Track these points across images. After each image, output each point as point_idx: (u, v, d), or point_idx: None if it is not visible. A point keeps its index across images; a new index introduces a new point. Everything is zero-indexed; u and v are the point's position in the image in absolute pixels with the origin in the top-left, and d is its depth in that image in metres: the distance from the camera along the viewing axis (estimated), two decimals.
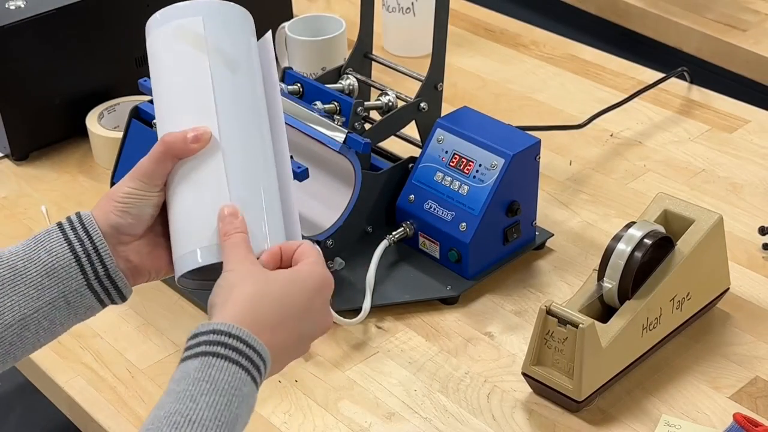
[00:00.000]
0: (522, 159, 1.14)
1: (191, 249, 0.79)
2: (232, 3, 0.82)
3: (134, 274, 0.83)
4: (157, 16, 0.81)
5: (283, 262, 0.79)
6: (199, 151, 0.79)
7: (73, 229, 0.80)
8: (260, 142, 0.81)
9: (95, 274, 0.80)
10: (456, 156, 1.15)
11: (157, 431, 0.68)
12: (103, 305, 0.82)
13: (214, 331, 0.72)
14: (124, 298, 0.82)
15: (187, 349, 0.73)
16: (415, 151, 1.22)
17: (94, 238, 0.80)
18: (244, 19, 0.82)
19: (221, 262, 0.78)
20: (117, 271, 0.81)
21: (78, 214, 0.81)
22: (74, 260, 0.79)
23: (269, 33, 0.85)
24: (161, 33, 0.80)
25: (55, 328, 0.80)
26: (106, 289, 0.81)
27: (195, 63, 0.79)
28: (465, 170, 1.14)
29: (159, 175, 0.80)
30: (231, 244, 0.77)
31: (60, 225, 0.81)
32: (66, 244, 0.79)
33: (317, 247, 0.80)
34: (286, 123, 1.15)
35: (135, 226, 0.81)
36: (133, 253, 0.83)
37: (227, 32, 0.79)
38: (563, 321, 0.98)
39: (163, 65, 0.81)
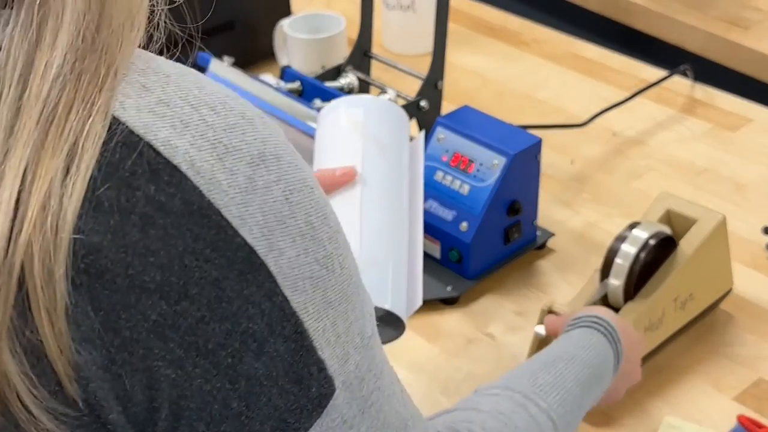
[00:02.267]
0: (523, 158, 1.13)
1: None
2: (392, 103, 0.98)
3: None
4: (331, 103, 0.95)
5: None
6: (344, 185, 0.90)
7: None
8: (395, 213, 0.91)
9: None
10: (457, 155, 1.15)
11: (577, 376, 0.83)
12: None
13: (607, 323, 0.90)
14: None
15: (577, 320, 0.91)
16: None
17: None
18: (399, 117, 0.96)
19: None
20: None
21: None
22: None
23: (422, 135, 0.99)
24: (330, 116, 0.94)
25: None
26: None
27: (350, 141, 0.92)
28: (466, 169, 1.14)
29: None
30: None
31: None
32: None
33: None
34: (285, 123, 1.15)
35: None
36: None
37: (381, 123, 0.93)
38: None
39: (326, 140, 0.95)
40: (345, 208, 0.88)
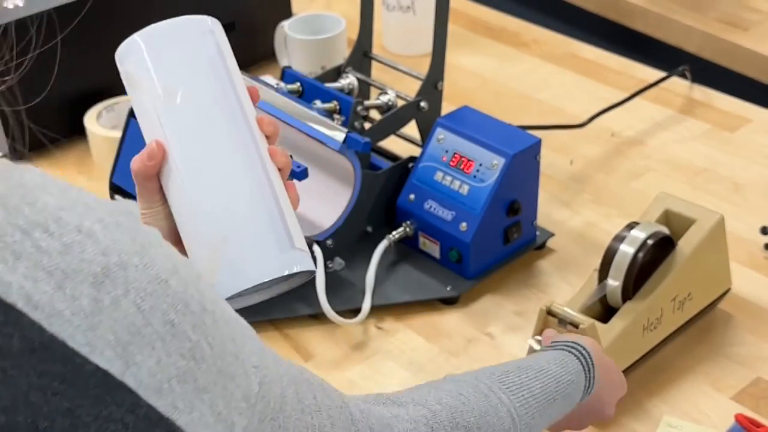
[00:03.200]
0: (522, 158, 1.14)
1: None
2: (167, 23, 0.78)
3: None
4: (117, 56, 0.78)
5: None
6: (159, 166, 0.77)
7: None
8: (232, 161, 0.76)
9: None
10: (456, 155, 1.15)
11: (546, 391, 0.82)
12: None
13: (583, 349, 0.88)
14: None
15: (555, 344, 0.89)
16: (415, 151, 1.22)
17: None
18: (182, 37, 0.77)
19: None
20: None
21: None
22: None
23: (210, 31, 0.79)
24: (121, 74, 0.79)
25: None
26: None
27: (141, 105, 0.77)
28: (465, 170, 1.14)
29: (149, 194, 0.79)
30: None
31: None
32: None
33: None
34: (286, 123, 1.16)
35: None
36: None
37: (162, 62, 0.76)
38: (564, 321, 0.97)
39: (135, 110, 0.80)
40: (176, 197, 0.77)
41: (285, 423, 0.58)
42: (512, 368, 0.82)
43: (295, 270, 0.74)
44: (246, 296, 0.78)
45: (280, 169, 0.79)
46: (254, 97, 0.78)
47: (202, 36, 0.76)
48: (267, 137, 0.77)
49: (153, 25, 0.78)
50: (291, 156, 1.08)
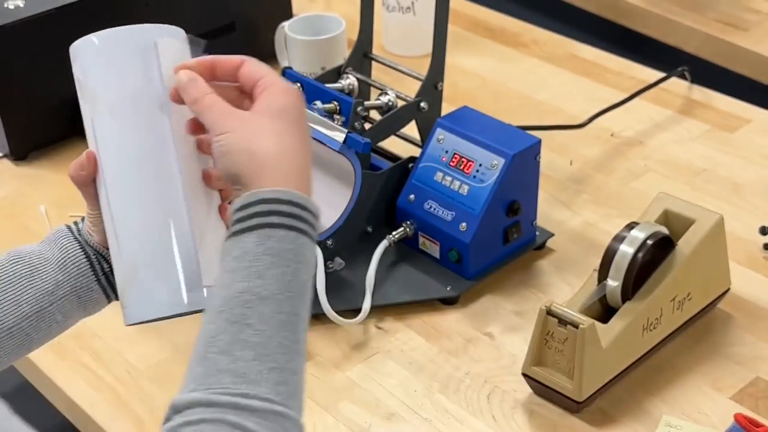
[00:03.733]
0: (522, 159, 1.14)
1: (125, 305, 0.78)
2: (116, 30, 0.75)
3: None
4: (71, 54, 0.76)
5: (248, 90, 0.77)
6: (92, 175, 0.78)
7: (79, 231, 0.84)
8: (155, 183, 0.75)
9: (102, 270, 0.83)
10: (456, 156, 1.15)
11: (230, 312, 0.67)
12: (109, 300, 0.85)
13: (263, 201, 0.70)
14: None
15: (238, 221, 0.70)
16: (415, 151, 1.22)
17: (90, 242, 0.84)
18: (129, 47, 0.74)
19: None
20: None
21: (83, 219, 0.85)
22: (85, 258, 0.83)
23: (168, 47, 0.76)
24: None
25: (66, 321, 0.84)
26: (111, 284, 0.84)
27: (84, 114, 0.76)
28: (465, 170, 1.14)
29: (90, 198, 0.82)
30: (208, 106, 0.74)
31: (68, 227, 0.85)
32: (77, 244, 0.83)
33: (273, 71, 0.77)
34: None
35: (105, 241, 0.82)
36: None
37: (106, 73, 0.73)
38: (563, 321, 0.98)
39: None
40: (102, 206, 0.77)
41: None
42: (232, 304, 0.68)
43: (196, 308, 0.74)
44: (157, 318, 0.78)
45: (221, 190, 0.79)
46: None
47: (141, 51, 0.73)
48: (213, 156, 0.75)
49: (105, 31, 0.76)
50: None
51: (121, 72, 0.73)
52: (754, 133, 1.41)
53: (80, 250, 0.83)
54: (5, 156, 1.43)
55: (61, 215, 1.30)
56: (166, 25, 0.75)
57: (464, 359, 1.08)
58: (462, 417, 1.01)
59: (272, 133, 0.73)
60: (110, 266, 0.82)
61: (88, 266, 0.83)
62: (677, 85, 1.51)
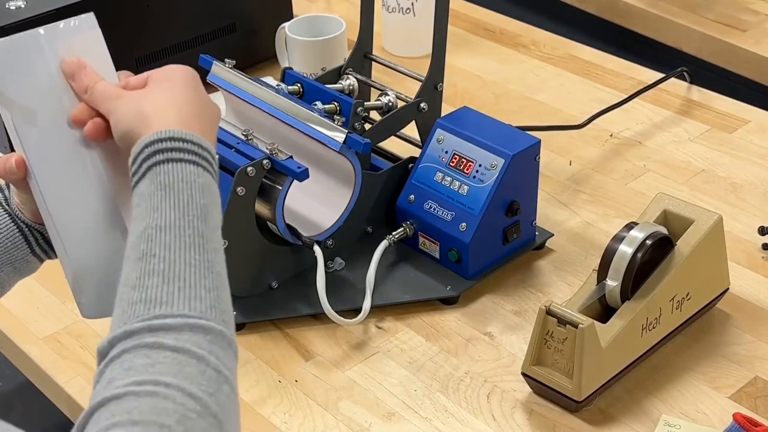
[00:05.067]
0: (522, 159, 1.14)
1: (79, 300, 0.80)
2: (21, 35, 0.74)
3: None
4: None
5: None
6: (23, 178, 0.79)
7: (8, 202, 0.86)
8: (87, 180, 0.76)
9: (36, 241, 0.86)
10: (456, 156, 1.16)
11: (136, 251, 0.68)
12: (43, 262, 0.88)
13: (146, 145, 0.71)
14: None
15: (133, 175, 0.72)
16: (415, 152, 1.23)
17: (20, 217, 0.85)
18: (29, 51, 0.73)
19: None
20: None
21: (8, 186, 0.85)
22: (18, 231, 0.85)
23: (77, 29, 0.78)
24: None
25: (2, 290, 0.87)
26: (45, 251, 0.86)
27: (5, 118, 0.76)
28: (465, 170, 1.15)
29: (19, 187, 0.82)
30: (100, 92, 0.76)
31: None
32: (8, 217, 0.85)
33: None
34: (286, 123, 1.16)
35: (37, 217, 0.84)
36: None
37: (18, 80, 0.73)
38: (563, 321, 0.98)
39: None
40: (40, 207, 0.77)
41: None
42: (135, 245, 0.69)
43: None
44: None
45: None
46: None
47: (36, 53, 0.73)
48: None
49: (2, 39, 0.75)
50: (291, 156, 1.09)
51: (24, 76, 0.73)
52: (753, 134, 1.41)
53: (12, 223, 0.84)
54: None
55: None
56: (57, 22, 0.75)
57: (464, 359, 1.08)
58: (462, 416, 1.02)
59: (161, 91, 0.75)
60: (44, 237, 0.84)
61: (22, 239, 0.85)
62: (676, 85, 1.51)
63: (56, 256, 0.84)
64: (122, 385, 0.61)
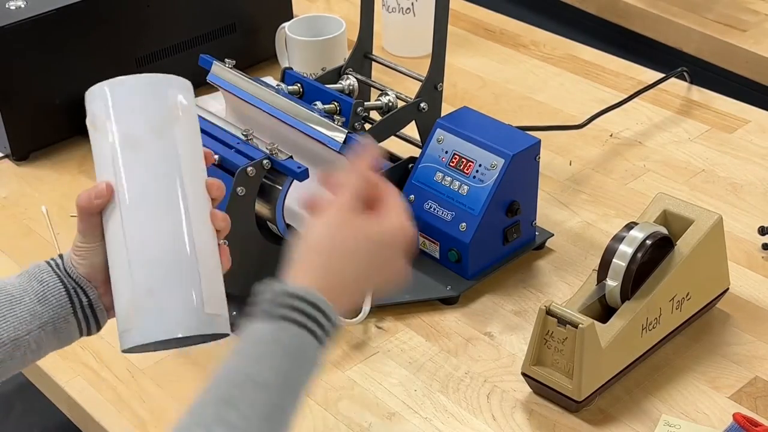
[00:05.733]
0: (522, 159, 1.14)
1: (123, 329, 0.81)
2: (143, 77, 0.81)
3: (108, 309, 0.87)
4: (86, 98, 0.82)
5: (368, 196, 0.79)
6: (104, 205, 0.81)
7: (58, 266, 0.86)
8: (169, 214, 0.80)
9: (80, 303, 0.85)
10: (456, 156, 1.16)
11: (222, 387, 0.69)
12: (81, 335, 0.88)
13: (296, 296, 0.73)
14: (99, 328, 0.88)
15: (260, 303, 0.74)
16: (415, 151, 1.23)
17: (72, 275, 0.86)
18: (155, 92, 0.81)
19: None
20: (98, 302, 0.86)
21: (60, 256, 0.87)
22: (64, 290, 0.85)
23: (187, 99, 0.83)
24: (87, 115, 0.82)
25: (40, 351, 0.86)
26: (87, 318, 0.86)
27: (100, 146, 0.82)
28: (465, 170, 1.15)
29: (91, 229, 0.83)
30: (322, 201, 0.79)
31: (47, 262, 0.87)
32: (56, 277, 0.85)
33: (403, 199, 0.80)
34: (286, 123, 1.16)
35: (93, 274, 0.85)
36: (104, 294, 0.86)
37: (131, 111, 0.80)
38: (563, 321, 0.98)
39: (93, 148, 0.84)
40: (111, 234, 0.80)
41: None
42: (218, 382, 0.71)
43: (193, 333, 0.78)
44: (156, 344, 0.80)
45: (218, 231, 0.82)
46: (208, 159, 0.83)
47: (165, 97, 0.80)
48: (213, 199, 0.81)
49: (123, 77, 0.81)
50: (291, 156, 1.09)
51: (144, 112, 0.80)
52: (753, 134, 1.41)
53: (59, 282, 0.85)
54: (6, 156, 1.43)
55: (62, 215, 1.30)
56: (178, 77, 0.82)
57: (464, 359, 1.08)
58: (462, 416, 1.02)
59: (364, 265, 0.76)
60: (88, 299, 0.85)
61: (67, 299, 0.85)
62: (676, 85, 1.51)
63: (97, 330, 0.87)
64: None
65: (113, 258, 0.81)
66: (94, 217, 0.82)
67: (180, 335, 0.78)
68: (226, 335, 0.80)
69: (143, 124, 0.79)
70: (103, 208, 0.81)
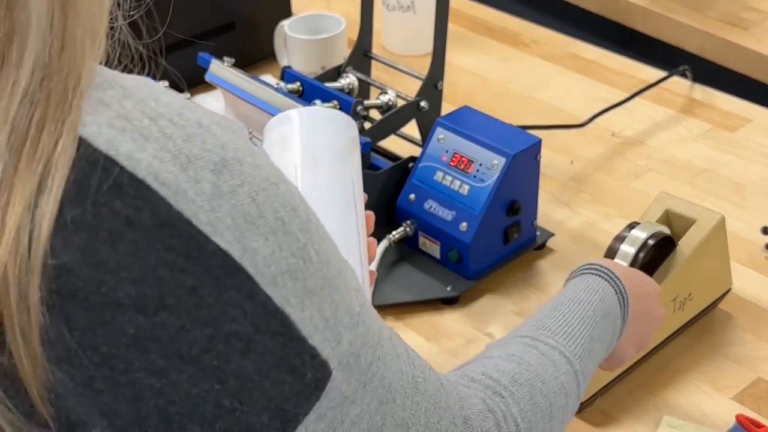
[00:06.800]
0: (523, 158, 1.13)
1: None
2: (325, 109, 0.96)
3: None
4: (267, 125, 0.92)
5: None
6: None
7: None
8: (340, 225, 0.87)
9: None
10: (456, 155, 1.15)
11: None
12: None
13: (600, 265, 0.89)
14: None
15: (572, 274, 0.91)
16: (416, 151, 1.22)
17: None
18: (335, 122, 0.92)
19: None
20: None
21: None
22: None
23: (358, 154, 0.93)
24: (265, 139, 0.92)
25: None
26: None
27: (284, 160, 0.89)
28: (465, 170, 1.14)
29: None
30: None
31: None
32: None
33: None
34: None
35: None
36: None
37: (313, 134, 0.90)
38: None
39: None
40: None
41: (384, 357, 0.60)
42: (544, 314, 0.83)
43: None
44: None
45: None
46: (369, 221, 0.88)
47: (344, 130, 0.91)
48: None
49: (312, 107, 1.00)
50: None
51: (330, 136, 0.90)
52: (756, 133, 1.40)
53: None
54: None
55: None
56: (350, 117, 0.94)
57: (464, 359, 1.07)
58: None
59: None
60: None
61: None
62: (678, 84, 1.50)
63: None
64: None
65: None
66: None
67: None
68: None
69: (326, 147, 0.89)
70: None
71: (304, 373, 0.54)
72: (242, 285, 0.52)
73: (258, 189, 0.53)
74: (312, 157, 0.88)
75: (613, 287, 0.86)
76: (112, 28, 0.57)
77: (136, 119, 0.52)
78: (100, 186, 0.49)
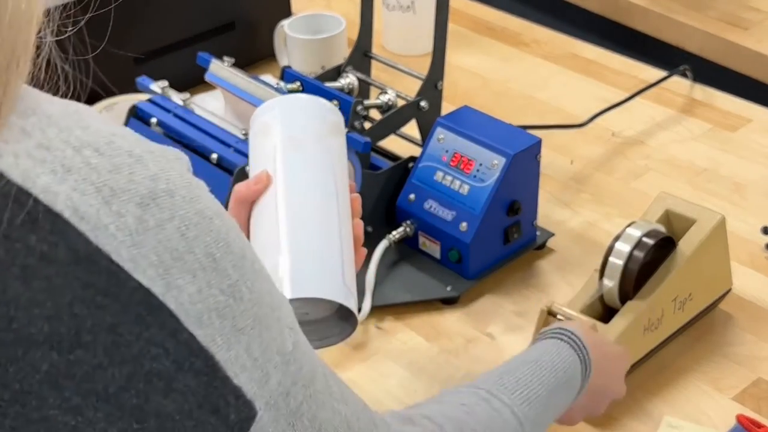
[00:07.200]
0: (523, 158, 1.13)
1: None
2: (309, 97, 0.94)
3: None
4: (256, 111, 0.92)
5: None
6: (262, 191, 0.84)
7: None
8: (323, 205, 0.87)
9: None
10: (456, 155, 1.15)
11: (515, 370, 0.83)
12: None
13: (571, 333, 0.88)
14: None
15: (543, 334, 0.90)
16: (416, 150, 1.22)
17: None
18: (317, 109, 0.92)
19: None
20: None
21: None
22: None
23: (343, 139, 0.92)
24: (251, 127, 0.92)
25: None
26: None
27: (264, 145, 0.90)
28: (465, 170, 1.14)
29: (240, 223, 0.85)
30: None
31: None
32: None
33: None
34: None
35: None
36: None
37: (295, 120, 0.90)
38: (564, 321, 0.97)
39: (251, 152, 0.91)
40: (266, 214, 0.85)
41: (316, 396, 0.59)
42: (506, 369, 0.83)
43: (341, 302, 0.83)
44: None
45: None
46: (355, 204, 0.88)
47: (324, 115, 0.91)
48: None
49: (293, 95, 0.99)
50: None
51: (309, 121, 0.90)
52: (756, 133, 1.40)
53: None
54: None
55: None
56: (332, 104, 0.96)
57: (464, 359, 1.07)
58: None
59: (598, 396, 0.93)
60: None
61: None
62: (678, 84, 1.50)
63: None
64: None
65: (263, 239, 0.84)
66: (245, 208, 0.83)
67: (319, 296, 0.82)
68: (353, 331, 0.87)
69: (306, 131, 0.89)
70: (259, 196, 0.84)
71: (228, 413, 0.53)
72: (165, 323, 0.50)
73: (189, 223, 0.51)
74: (290, 140, 0.88)
75: (579, 357, 0.87)
76: (38, 47, 0.55)
77: (58, 149, 0.50)
78: (12, 220, 0.47)
